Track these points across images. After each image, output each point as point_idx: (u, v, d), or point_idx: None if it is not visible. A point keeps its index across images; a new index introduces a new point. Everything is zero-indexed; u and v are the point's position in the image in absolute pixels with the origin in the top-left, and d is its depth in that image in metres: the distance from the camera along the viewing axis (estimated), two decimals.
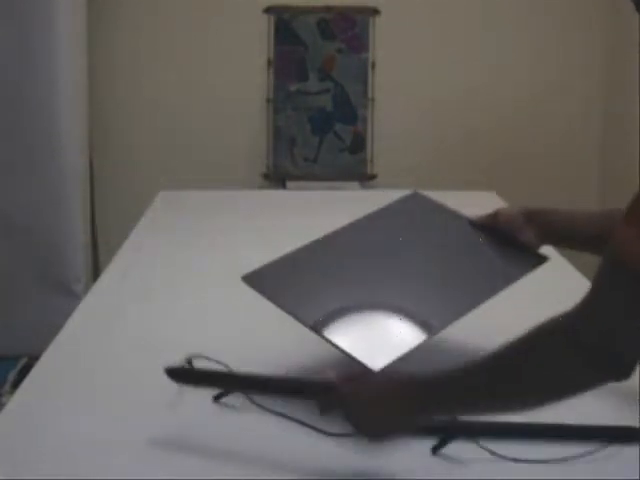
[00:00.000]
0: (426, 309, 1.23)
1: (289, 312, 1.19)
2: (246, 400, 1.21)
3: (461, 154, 3.61)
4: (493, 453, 1.09)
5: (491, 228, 1.37)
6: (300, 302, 1.21)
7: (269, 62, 3.51)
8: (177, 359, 1.45)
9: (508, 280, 1.30)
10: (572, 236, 1.32)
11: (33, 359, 1.50)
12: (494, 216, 1.38)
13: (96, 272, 3.24)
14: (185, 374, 1.19)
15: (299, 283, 1.25)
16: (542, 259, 1.35)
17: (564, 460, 1.09)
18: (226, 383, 1.17)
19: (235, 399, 1.23)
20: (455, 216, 1.45)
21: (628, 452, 1.12)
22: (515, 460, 1.08)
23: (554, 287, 1.85)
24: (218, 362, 1.25)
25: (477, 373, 0.98)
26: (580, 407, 1.24)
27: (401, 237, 1.39)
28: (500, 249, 1.36)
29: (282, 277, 1.26)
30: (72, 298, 2.97)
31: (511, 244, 1.34)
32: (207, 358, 1.24)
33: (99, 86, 3.40)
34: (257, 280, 1.22)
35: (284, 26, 3.50)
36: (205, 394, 1.26)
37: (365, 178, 3.59)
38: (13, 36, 2.99)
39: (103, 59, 3.43)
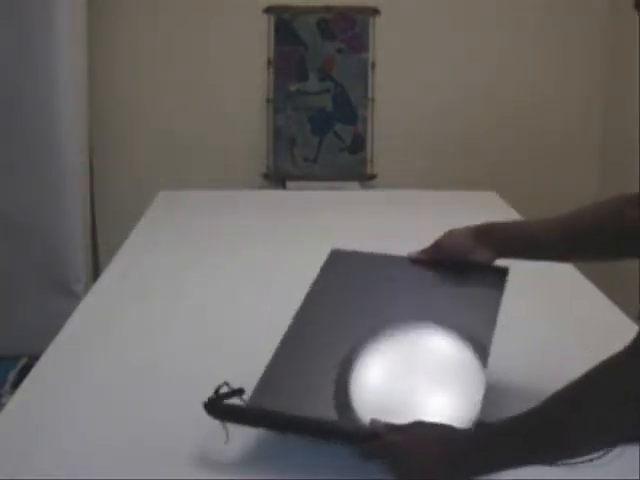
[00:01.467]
0: (462, 346, 1.18)
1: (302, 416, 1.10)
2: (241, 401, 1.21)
3: (461, 154, 3.62)
4: None
5: (435, 259, 1.33)
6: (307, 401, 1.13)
7: (269, 62, 3.51)
8: (177, 360, 1.45)
9: (494, 305, 1.26)
10: (535, 246, 1.29)
11: (33, 359, 1.50)
12: (435, 247, 1.34)
13: (96, 272, 3.24)
14: (226, 411, 1.12)
15: (300, 383, 1.16)
16: (504, 271, 1.32)
17: (573, 463, 1.09)
18: (269, 423, 1.10)
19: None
20: (394, 260, 1.38)
21: (628, 452, 1.12)
22: None
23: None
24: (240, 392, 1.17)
25: (521, 427, 0.96)
26: None
27: (363, 300, 1.30)
28: (459, 277, 1.31)
29: (283, 387, 1.16)
30: (72, 298, 2.97)
31: (463, 268, 1.31)
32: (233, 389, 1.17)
33: (99, 86, 3.40)
34: (260, 399, 1.12)
35: (284, 26, 3.50)
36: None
37: (365, 178, 3.59)
38: (13, 36, 2.99)
39: (103, 59, 3.43)
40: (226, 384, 1.13)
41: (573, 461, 1.08)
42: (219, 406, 1.12)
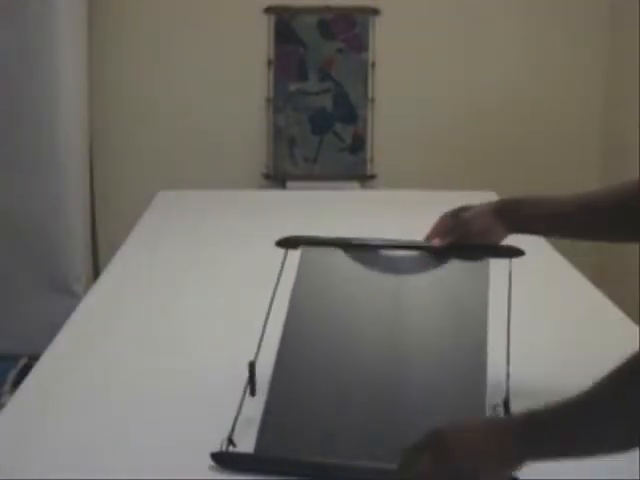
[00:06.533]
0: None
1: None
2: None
3: (461, 154, 3.61)
4: None
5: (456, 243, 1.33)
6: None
7: (269, 62, 3.51)
8: (177, 360, 1.45)
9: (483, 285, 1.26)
10: (552, 222, 1.29)
11: (33, 359, 1.50)
12: (461, 230, 1.32)
13: (96, 272, 3.24)
14: (236, 460, 1.09)
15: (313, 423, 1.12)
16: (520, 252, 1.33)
17: None
18: (289, 471, 1.07)
19: None
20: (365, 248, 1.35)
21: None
22: None
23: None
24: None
25: (572, 412, 0.92)
26: None
27: (348, 301, 1.28)
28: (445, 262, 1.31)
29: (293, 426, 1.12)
30: (72, 298, 2.97)
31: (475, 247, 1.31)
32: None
33: (99, 86, 3.40)
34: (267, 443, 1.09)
35: (284, 26, 3.50)
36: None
37: (365, 178, 3.59)
38: (13, 36, 2.99)
39: (103, 59, 3.43)
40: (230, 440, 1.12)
41: None
42: (227, 456, 1.10)
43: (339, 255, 1.35)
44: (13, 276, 3.16)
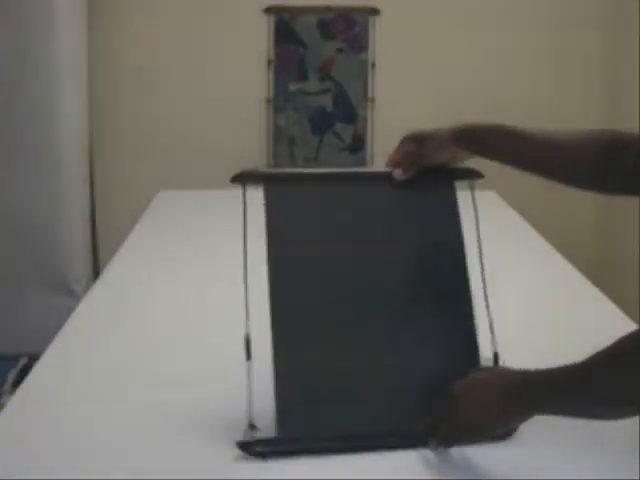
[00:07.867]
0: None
1: None
2: None
3: None
4: None
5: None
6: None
7: (269, 62, 3.51)
8: (177, 360, 1.45)
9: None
10: (512, 151, 1.33)
11: (33, 359, 1.50)
12: (430, 163, 1.36)
13: (96, 272, 3.24)
14: (264, 446, 1.09)
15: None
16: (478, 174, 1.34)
17: None
18: (319, 449, 1.08)
19: None
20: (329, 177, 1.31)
21: (628, 452, 1.12)
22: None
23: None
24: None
25: (576, 373, 0.99)
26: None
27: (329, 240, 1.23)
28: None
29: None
30: (72, 298, 2.97)
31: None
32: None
33: (99, 86, 3.40)
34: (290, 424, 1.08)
35: (284, 26, 3.50)
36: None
37: None
38: (13, 36, 2.99)
39: (103, 59, 3.43)
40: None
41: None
42: (253, 445, 1.10)
43: (304, 188, 1.29)
44: (13, 276, 3.16)
